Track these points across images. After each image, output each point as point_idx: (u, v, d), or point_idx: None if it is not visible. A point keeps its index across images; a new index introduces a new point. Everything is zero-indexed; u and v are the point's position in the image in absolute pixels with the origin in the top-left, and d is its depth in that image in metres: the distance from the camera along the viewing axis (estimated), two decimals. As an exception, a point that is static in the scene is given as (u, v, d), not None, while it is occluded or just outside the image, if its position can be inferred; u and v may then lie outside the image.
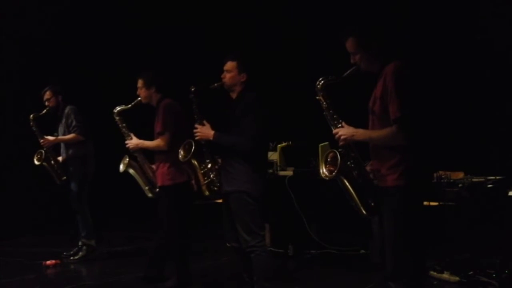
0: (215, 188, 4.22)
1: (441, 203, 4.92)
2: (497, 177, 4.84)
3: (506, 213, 4.73)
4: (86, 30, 8.38)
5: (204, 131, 4.13)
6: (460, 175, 5.06)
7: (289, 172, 5.91)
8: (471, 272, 4.70)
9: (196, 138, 4.16)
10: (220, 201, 4.34)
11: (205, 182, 4.20)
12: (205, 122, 4.19)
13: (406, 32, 5.69)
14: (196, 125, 4.18)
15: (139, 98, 4.99)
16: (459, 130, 5.68)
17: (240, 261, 4.30)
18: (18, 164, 7.94)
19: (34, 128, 6.21)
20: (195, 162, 4.26)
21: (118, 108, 5.13)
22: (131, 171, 5.20)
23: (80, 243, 6.29)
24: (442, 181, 4.89)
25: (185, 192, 4.78)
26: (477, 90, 5.70)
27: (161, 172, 4.83)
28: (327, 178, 3.31)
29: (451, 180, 4.90)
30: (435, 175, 4.86)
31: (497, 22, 5.48)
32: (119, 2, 8.42)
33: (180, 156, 4.32)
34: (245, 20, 7.58)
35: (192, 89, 4.25)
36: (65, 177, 6.27)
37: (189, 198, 4.86)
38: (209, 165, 4.22)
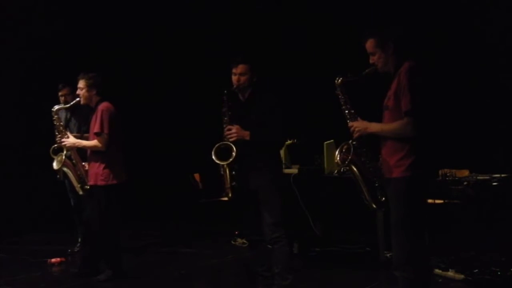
0: (234, 187, 4.25)
1: (446, 201, 4.92)
2: (502, 175, 4.84)
3: (511, 211, 4.74)
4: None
5: (240, 132, 4.19)
6: (465, 173, 5.05)
7: (294, 170, 5.90)
8: (476, 270, 4.70)
9: (232, 139, 4.18)
10: (225, 199, 4.37)
11: (233, 184, 4.22)
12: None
13: (421, 34, 5.69)
14: (230, 127, 4.20)
15: (78, 99, 5.24)
16: (464, 128, 5.69)
17: (259, 255, 4.37)
18: (20, 162, 7.98)
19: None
20: (227, 167, 4.22)
21: (56, 107, 5.46)
22: (65, 169, 5.49)
23: None
24: (447, 179, 4.89)
25: (117, 194, 5.08)
26: (483, 89, 5.71)
27: (95, 172, 5.07)
28: (338, 167, 3.60)
29: (456, 178, 4.90)
30: (440, 172, 4.87)
31: (507, 24, 5.47)
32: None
33: (215, 159, 4.24)
34: (244, 20, 7.58)
35: (225, 91, 4.28)
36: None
37: (120, 200, 5.14)
38: (236, 167, 4.23)
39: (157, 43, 8.43)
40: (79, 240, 6.36)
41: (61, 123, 5.44)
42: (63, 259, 6.08)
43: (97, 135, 5.02)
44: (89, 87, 5.15)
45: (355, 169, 3.54)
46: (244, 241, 6.59)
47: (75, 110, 6.19)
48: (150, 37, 8.46)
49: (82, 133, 5.71)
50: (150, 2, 8.37)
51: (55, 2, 8.08)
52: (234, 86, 4.27)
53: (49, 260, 6.00)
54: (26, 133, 8.00)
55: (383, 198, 3.53)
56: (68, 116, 6.31)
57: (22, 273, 5.58)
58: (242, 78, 4.22)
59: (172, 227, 7.99)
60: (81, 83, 5.17)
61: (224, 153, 4.21)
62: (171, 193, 8.27)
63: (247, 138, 4.18)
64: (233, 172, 4.24)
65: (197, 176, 7.60)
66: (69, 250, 6.37)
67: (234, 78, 4.25)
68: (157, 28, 8.40)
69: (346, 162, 3.51)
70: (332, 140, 5.51)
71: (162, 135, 8.45)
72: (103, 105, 5.11)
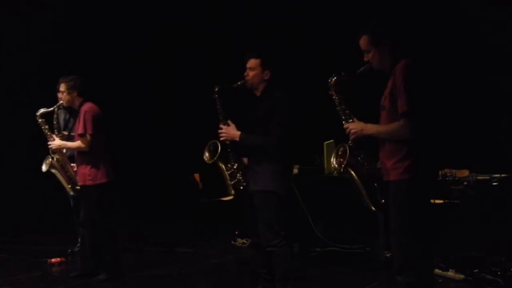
0: (241, 187, 4.20)
1: (446, 201, 4.92)
2: (502, 175, 4.85)
3: (511, 211, 4.74)
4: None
5: (230, 131, 4.12)
6: (465, 173, 5.06)
7: (294, 170, 5.89)
8: (476, 270, 4.71)
9: (221, 138, 4.15)
10: (227, 199, 4.37)
11: (232, 183, 4.21)
12: (229, 122, 4.17)
13: (418, 32, 5.68)
14: (221, 126, 4.16)
15: (61, 102, 5.31)
16: (464, 128, 5.68)
17: (261, 257, 4.31)
18: (21, 161, 7.97)
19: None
20: (222, 165, 4.24)
21: (41, 111, 5.43)
22: (53, 171, 5.54)
23: None
24: (447, 179, 4.90)
25: (106, 192, 5.11)
26: (483, 89, 5.71)
27: (82, 173, 5.13)
28: (336, 171, 3.46)
29: (456, 178, 4.91)
30: (440, 173, 4.86)
31: (508, 22, 5.47)
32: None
33: (205, 158, 4.31)
34: (246, 19, 7.57)
35: (216, 89, 4.20)
36: None
37: (110, 198, 5.19)
38: (235, 166, 4.21)
39: (163, 41, 8.43)
40: (79, 240, 6.35)
41: (47, 126, 5.42)
42: (63, 259, 6.08)
43: (81, 136, 5.07)
44: (69, 89, 5.21)
45: (352, 172, 3.42)
46: (244, 241, 6.60)
47: (74, 111, 6.19)
48: (153, 35, 8.46)
49: (69, 133, 5.74)
50: (149, 2, 8.38)
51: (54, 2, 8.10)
52: (241, 81, 4.17)
53: (49, 260, 6.00)
54: (26, 132, 7.98)
55: (383, 200, 3.42)
56: (67, 116, 6.30)
57: (22, 273, 5.58)
58: (251, 73, 4.12)
59: (172, 227, 7.98)
60: (62, 87, 5.25)
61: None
62: (170, 193, 8.26)
63: (237, 139, 4.10)
64: (228, 172, 4.22)
65: (197, 176, 7.60)
66: (69, 250, 6.37)
67: (245, 73, 4.17)
68: (158, 26, 8.40)
69: (343, 166, 3.40)
70: (332, 140, 5.51)
71: (162, 135, 8.45)
72: (86, 106, 5.15)
